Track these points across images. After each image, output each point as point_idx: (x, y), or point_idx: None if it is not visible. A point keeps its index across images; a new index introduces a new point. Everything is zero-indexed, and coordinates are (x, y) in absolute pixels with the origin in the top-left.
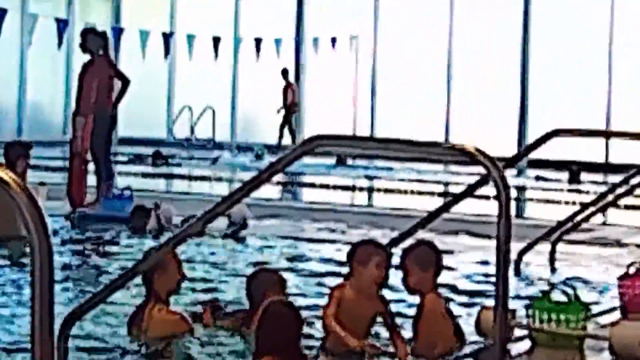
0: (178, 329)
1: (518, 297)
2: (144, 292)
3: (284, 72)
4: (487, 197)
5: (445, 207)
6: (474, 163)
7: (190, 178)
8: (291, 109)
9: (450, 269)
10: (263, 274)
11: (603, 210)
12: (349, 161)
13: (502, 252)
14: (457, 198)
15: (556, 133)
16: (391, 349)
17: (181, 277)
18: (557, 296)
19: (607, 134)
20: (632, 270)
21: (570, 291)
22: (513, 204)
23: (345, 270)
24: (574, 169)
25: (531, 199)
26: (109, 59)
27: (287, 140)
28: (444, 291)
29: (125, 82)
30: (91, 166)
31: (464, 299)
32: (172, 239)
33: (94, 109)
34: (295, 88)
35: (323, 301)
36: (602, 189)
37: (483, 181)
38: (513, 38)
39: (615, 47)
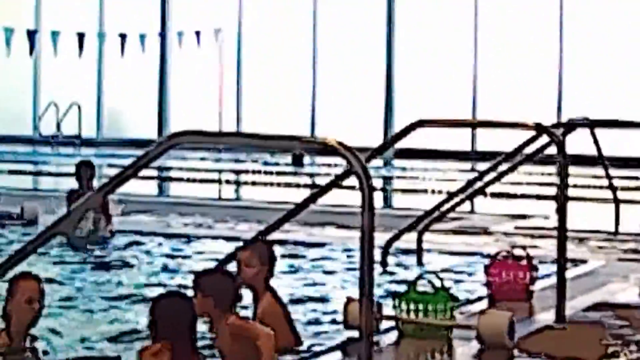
0: None
1: (385, 288)
2: None
3: None
4: (352, 188)
5: (311, 199)
6: (336, 155)
7: (57, 175)
8: None
9: (318, 260)
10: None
11: (470, 198)
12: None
13: (366, 243)
14: (323, 190)
15: (420, 124)
16: None
17: (39, 310)
18: (423, 286)
19: (472, 124)
20: (498, 259)
21: (436, 281)
22: (380, 194)
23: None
24: (297, 154)
25: (400, 189)
26: None
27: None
28: (310, 283)
29: None
30: None
31: (329, 290)
32: (39, 236)
33: None
34: None
35: None
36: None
37: (347, 173)
38: (377, 28)
39: (480, 36)
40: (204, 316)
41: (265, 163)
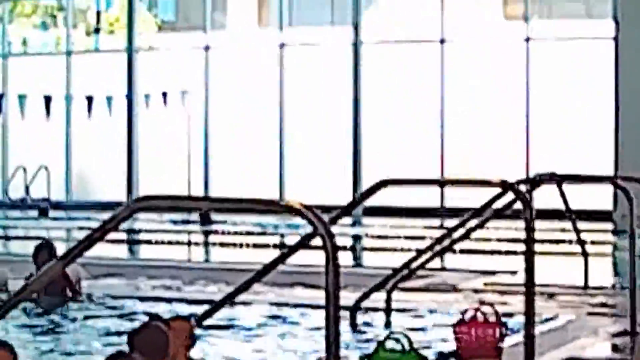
0: None
1: (354, 348)
2: None
3: None
4: (320, 248)
5: (279, 260)
6: (300, 217)
7: (26, 239)
8: None
9: (287, 321)
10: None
11: (438, 255)
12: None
13: (332, 304)
14: (290, 251)
15: (386, 183)
16: None
17: None
18: (392, 346)
19: (439, 182)
20: (467, 316)
21: (405, 340)
22: (349, 253)
23: None
24: (204, 212)
25: (369, 248)
26: None
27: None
28: (280, 345)
29: None
30: None
31: (299, 351)
32: (5, 304)
33: None
34: None
35: None
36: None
37: (313, 234)
38: (344, 86)
39: (447, 94)
40: None
41: (234, 224)
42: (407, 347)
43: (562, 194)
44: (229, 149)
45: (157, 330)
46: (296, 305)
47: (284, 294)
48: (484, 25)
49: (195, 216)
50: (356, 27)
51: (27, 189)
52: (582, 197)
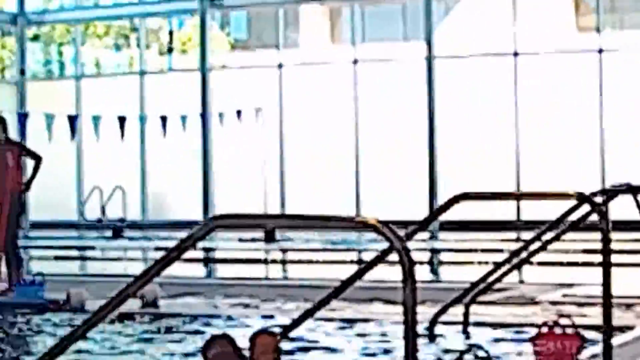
0: None
1: None
2: None
3: None
4: (397, 263)
5: (357, 276)
6: (376, 233)
7: (103, 259)
8: None
9: (366, 337)
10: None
11: (516, 268)
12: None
13: (409, 318)
14: (367, 267)
15: (461, 197)
16: None
17: None
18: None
19: (515, 196)
20: (544, 329)
21: (483, 354)
22: (426, 268)
23: None
24: (269, 229)
25: (446, 262)
26: (12, 140)
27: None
28: None
29: (37, 159)
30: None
31: None
32: (83, 325)
33: (6, 196)
34: None
35: None
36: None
37: (390, 250)
38: (419, 100)
39: (521, 107)
40: None
41: (307, 241)
42: (485, 358)
43: (638, 205)
44: (304, 165)
45: (225, 354)
46: (374, 321)
47: (361, 310)
48: (557, 37)
49: (260, 234)
50: (429, 42)
51: (103, 209)
52: None
